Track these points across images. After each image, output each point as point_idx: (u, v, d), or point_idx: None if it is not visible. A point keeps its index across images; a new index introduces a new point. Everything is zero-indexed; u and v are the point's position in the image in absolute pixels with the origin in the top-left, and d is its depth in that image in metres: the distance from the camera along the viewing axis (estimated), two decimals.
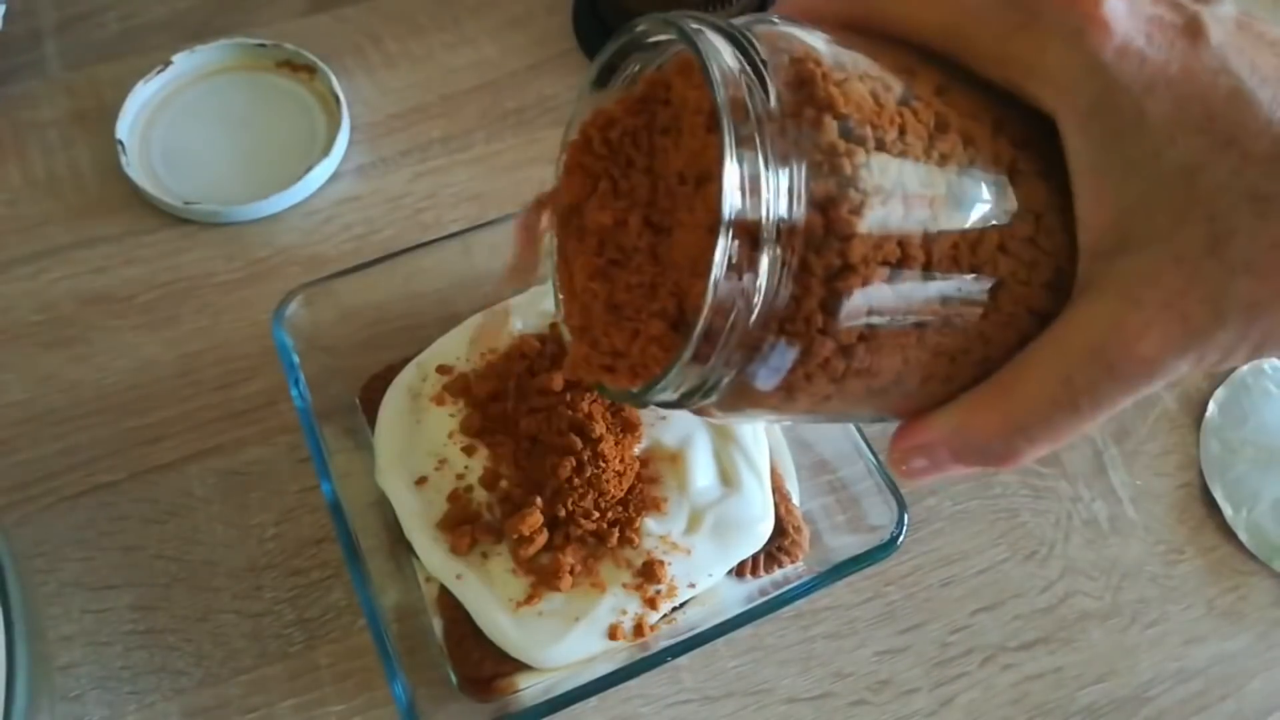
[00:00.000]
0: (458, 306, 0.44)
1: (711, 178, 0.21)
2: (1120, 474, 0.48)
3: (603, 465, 0.38)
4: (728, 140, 0.20)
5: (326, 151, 0.53)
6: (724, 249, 0.20)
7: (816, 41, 0.22)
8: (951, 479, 0.26)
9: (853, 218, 0.20)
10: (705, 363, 0.21)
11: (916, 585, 0.45)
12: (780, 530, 0.41)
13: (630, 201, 0.25)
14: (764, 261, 0.20)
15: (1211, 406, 0.50)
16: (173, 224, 0.51)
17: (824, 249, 0.20)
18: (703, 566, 0.39)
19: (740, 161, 0.20)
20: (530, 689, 0.38)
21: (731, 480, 0.41)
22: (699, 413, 0.24)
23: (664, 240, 0.24)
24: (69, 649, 0.41)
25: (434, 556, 0.38)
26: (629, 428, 0.40)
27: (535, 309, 0.44)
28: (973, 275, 0.22)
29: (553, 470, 0.38)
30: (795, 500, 0.42)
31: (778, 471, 0.43)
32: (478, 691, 0.38)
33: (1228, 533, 0.47)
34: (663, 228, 0.24)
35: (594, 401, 0.39)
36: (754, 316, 0.20)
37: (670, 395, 0.23)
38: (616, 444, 0.39)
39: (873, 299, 0.21)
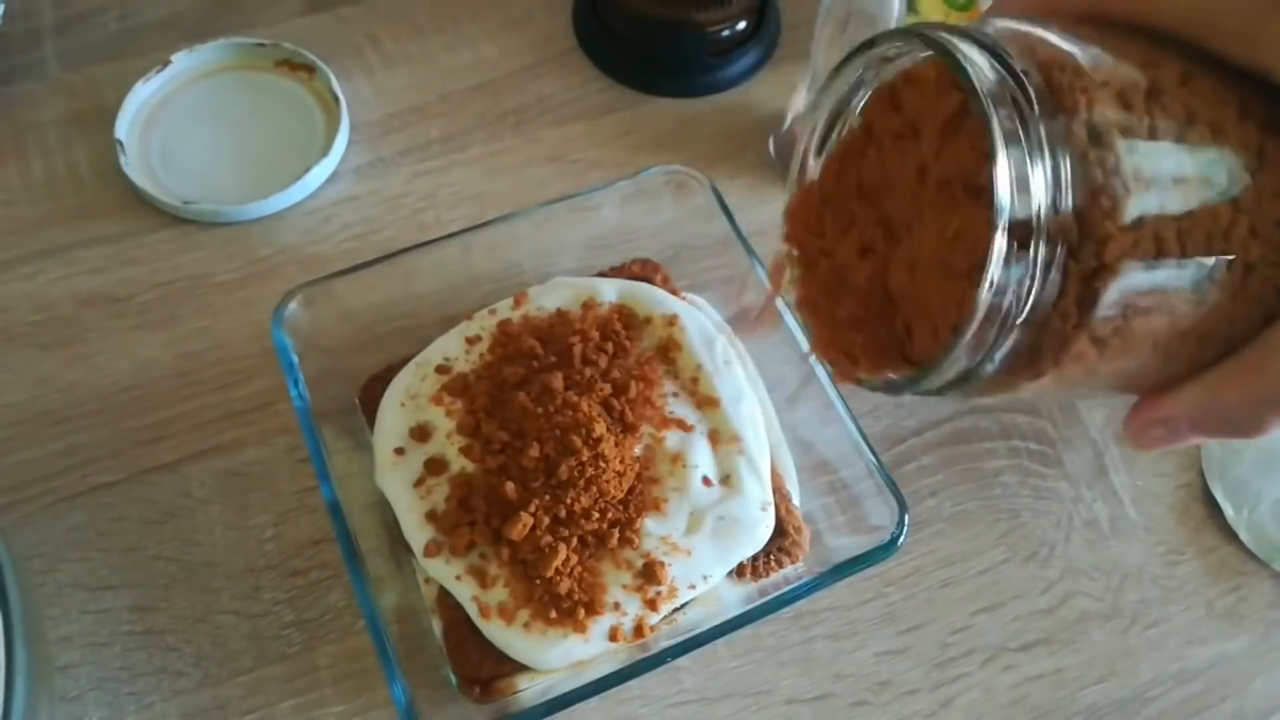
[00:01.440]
0: (457, 306, 0.44)
1: (956, 182, 0.22)
2: (1121, 475, 0.48)
3: (603, 465, 0.38)
4: (997, 136, 0.20)
5: (325, 151, 0.53)
6: (999, 248, 0.20)
7: (1056, 39, 0.22)
8: (1182, 446, 0.28)
9: (1108, 221, 0.21)
10: (971, 357, 0.22)
11: (917, 586, 0.45)
12: (780, 531, 0.41)
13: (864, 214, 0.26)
14: (1034, 260, 0.20)
15: None
16: (172, 224, 0.51)
17: (1081, 249, 0.21)
18: (703, 567, 0.38)
19: (1010, 159, 0.20)
20: (530, 690, 0.38)
21: (732, 481, 0.40)
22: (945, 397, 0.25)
23: (896, 247, 0.25)
24: (68, 650, 0.41)
25: (433, 557, 0.38)
26: (629, 428, 0.40)
27: (538, 305, 0.43)
28: (1224, 263, 0.22)
29: (553, 471, 0.38)
30: (796, 501, 0.42)
31: (778, 472, 0.43)
32: (477, 692, 0.38)
33: (1229, 533, 0.47)
34: (895, 236, 0.25)
35: (594, 402, 0.39)
36: (1021, 314, 0.21)
37: (933, 387, 0.24)
38: (616, 444, 0.39)
39: (1128, 294, 0.21)
